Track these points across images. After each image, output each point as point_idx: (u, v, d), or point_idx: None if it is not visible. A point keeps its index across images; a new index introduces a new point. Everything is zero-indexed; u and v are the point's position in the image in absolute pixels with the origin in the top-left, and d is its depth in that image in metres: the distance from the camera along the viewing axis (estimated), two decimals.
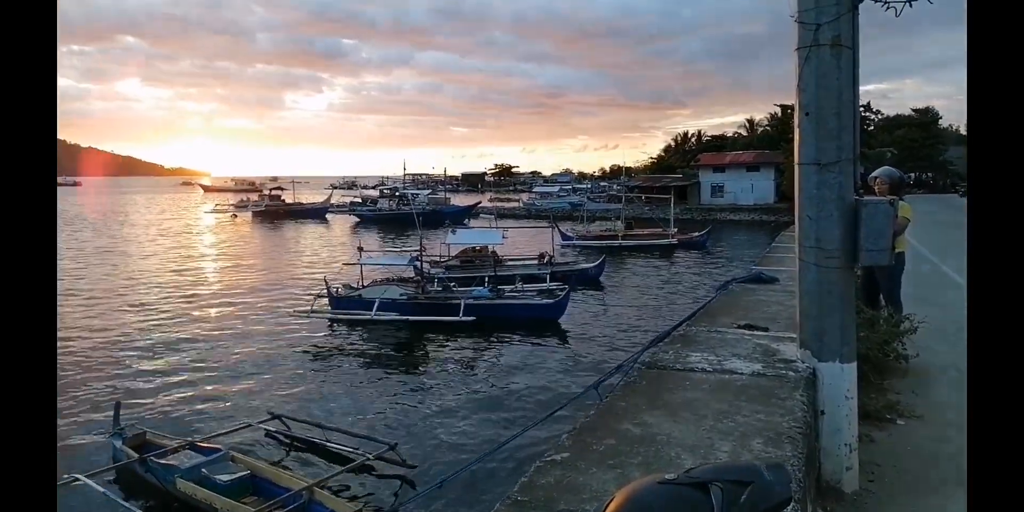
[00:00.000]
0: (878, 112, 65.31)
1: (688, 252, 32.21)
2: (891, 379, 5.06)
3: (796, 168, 3.45)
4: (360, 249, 19.38)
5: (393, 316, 15.87)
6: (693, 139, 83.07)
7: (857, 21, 3.34)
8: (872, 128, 59.93)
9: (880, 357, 5.08)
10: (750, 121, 75.90)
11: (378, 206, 57.67)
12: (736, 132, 77.81)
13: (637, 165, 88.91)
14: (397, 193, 59.97)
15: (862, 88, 3.55)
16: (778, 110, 66.12)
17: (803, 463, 2.54)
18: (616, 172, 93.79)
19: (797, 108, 3.43)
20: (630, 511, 1.41)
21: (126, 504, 6.85)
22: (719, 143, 74.39)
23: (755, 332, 4.60)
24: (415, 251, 18.89)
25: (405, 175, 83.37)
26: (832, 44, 3.30)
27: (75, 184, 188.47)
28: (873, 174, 6.61)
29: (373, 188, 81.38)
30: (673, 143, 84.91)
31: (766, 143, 60.40)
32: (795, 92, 3.44)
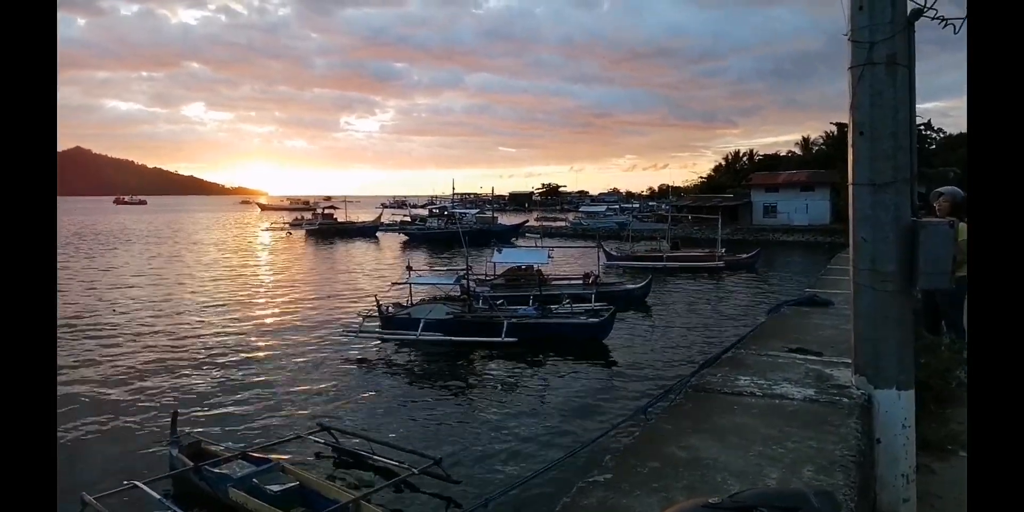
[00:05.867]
0: (939, 130, 63.07)
1: (736, 274, 31.53)
2: (953, 408, 4.83)
3: (850, 188, 3.38)
4: (409, 268, 19.69)
5: (438, 336, 15.99)
6: (745, 158, 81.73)
7: (913, 39, 3.28)
8: (933, 147, 57.85)
9: (941, 385, 4.86)
10: (805, 140, 74.26)
11: (427, 225, 58.49)
12: (790, 151, 76.24)
13: (686, 184, 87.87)
14: (446, 212, 60.75)
15: (922, 106, 3.49)
16: (834, 128, 64.57)
17: (856, 493, 2.46)
18: (664, 192, 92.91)
19: (851, 127, 3.38)
20: None
21: (181, 511, 7.03)
22: (772, 162, 72.92)
23: (808, 356, 4.47)
24: (462, 270, 19.05)
25: (454, 194, 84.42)
26: (887, 62, 3.25)
27: (141, 202, 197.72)
28: (937, 190, 6.37)
29: (422, 207, 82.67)
30: (724, 162, 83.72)
31: (821, 162, 58.94)
32: (848, 111, 3.39)
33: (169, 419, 9.17)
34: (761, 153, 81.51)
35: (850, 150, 3.40)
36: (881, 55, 3.27)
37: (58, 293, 24.65)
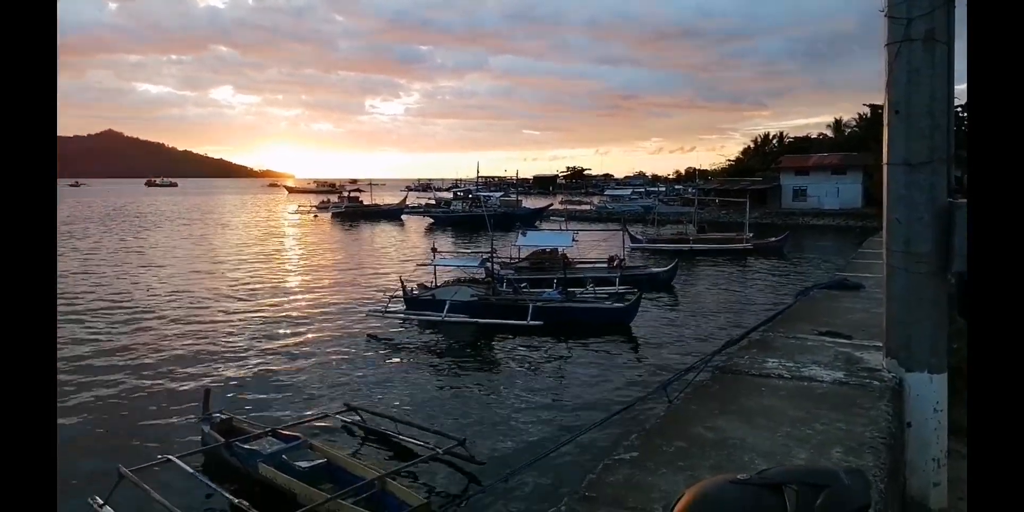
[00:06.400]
0: None
1: (764, 258, 31.10)
2: None
3: (884, 168, 3.31)
4: (434, 250, 19.80)
5: (463, 318, 16.10)
6: (774, 141, 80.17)
7: (953, 14, 3.18)
8: None
9: None
10: (837, 121, 72.48)
11: (451, 208, 58.59)
12: (821, 134, 74.51)
13: (714, 168, 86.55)
14: (470, 195, 60.74)
15: (961, 87, 3.38)
16: (867, 110, 62.93)
17: (886, 475, 2.44)
18: (691, 175, 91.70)
19: (886, 106, 3.29)
20: (700, 509, 1.40)
21: (212, 485, 7.20)
22: (802, 145, 71.39)
23: (837, 339, 4.42)
24: (486, 253, 19.11)
25: (478, 178, 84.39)
26: (925, 39, 3.15)
27: (172, 185, 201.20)
28: None
29: (447, 190, 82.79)
30: (752, 145, 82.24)
31: (854, 145, 57.58)
32: (884, 90, 3.30)
33: (201, 397, 9.42)
34: (791, 135, 79.83)
35: (885, 129, 3.32)
36: (919, 31, 3.17)
37: (90, 274, 25.27)
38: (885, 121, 3.32)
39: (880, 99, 3.43)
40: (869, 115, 61.65)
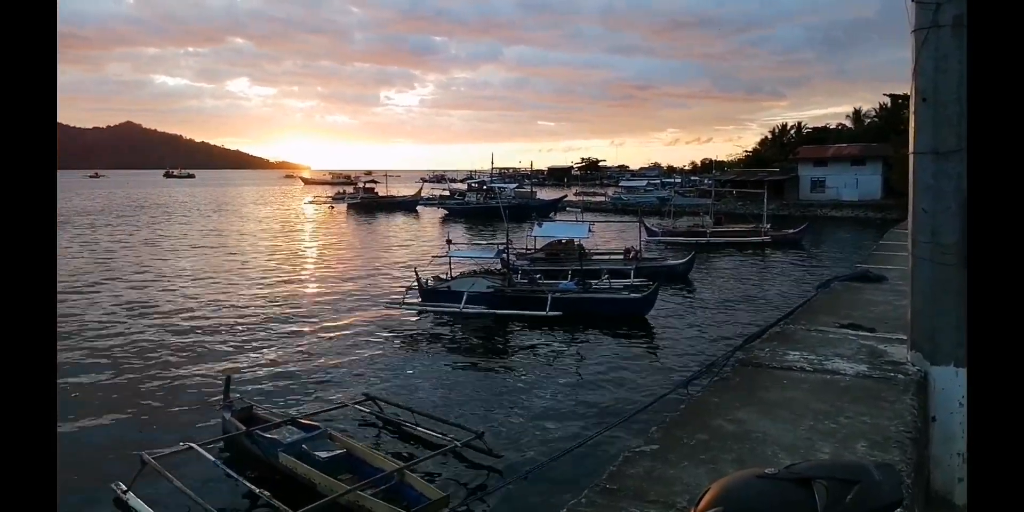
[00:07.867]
0: None
1: (783, 250, 30.80)
2: None
3: (911, 157, 3.25)
4: (449, 242, 19.79)
5: (481, 309, 16.11)
6: (792, 131, 79.15)
7: None
8: None
9: None
10: (856, 112, 71.39)
11: (466, 199, 58.58)
12: (840, 124, 73.44)
13: (731, 159, 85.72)
14: (484, 187, 60.69)
15: None
16: (887, 100, 61.95)
17: (912, 470, 2.41)
18: (707, 166, 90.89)
19: (913, 93, 3.23)
20: (726, 504, 1.38)
21: (233, 473, 7.30)
22: (821, 135, 70.40)
23: (860, 332, 4.36)
24: (502, 244, 19.10)
25: (492, 169, 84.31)
26: (954, 24, 3.08)
27: (189, 176, 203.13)
28: None
29: (461, 182, 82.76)
30: (770, 135, 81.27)
31: (873, 135, 56.68)
32: (910, 77, 3.24)
33: (222, 384, 9.52)
34: (809, 126, 78.67)
35: (912, 117, 3.26)
36: (947, 17, 3.10)
37: (109, 265, 25.59)
38: (911, 109, 3.26)
39: (901, 87, 3.40)
40: (889, 105, 60.70)
